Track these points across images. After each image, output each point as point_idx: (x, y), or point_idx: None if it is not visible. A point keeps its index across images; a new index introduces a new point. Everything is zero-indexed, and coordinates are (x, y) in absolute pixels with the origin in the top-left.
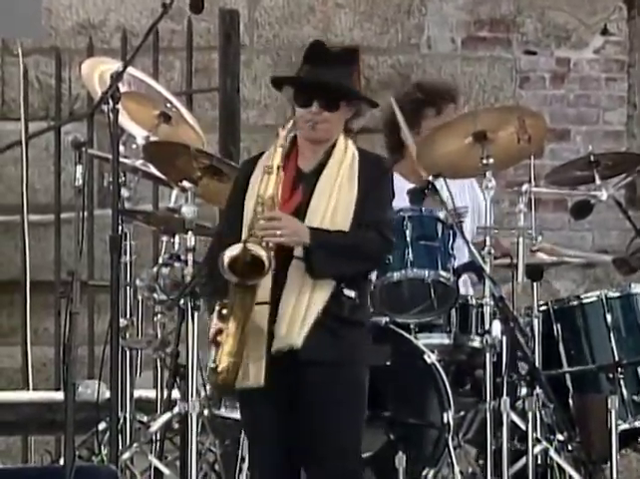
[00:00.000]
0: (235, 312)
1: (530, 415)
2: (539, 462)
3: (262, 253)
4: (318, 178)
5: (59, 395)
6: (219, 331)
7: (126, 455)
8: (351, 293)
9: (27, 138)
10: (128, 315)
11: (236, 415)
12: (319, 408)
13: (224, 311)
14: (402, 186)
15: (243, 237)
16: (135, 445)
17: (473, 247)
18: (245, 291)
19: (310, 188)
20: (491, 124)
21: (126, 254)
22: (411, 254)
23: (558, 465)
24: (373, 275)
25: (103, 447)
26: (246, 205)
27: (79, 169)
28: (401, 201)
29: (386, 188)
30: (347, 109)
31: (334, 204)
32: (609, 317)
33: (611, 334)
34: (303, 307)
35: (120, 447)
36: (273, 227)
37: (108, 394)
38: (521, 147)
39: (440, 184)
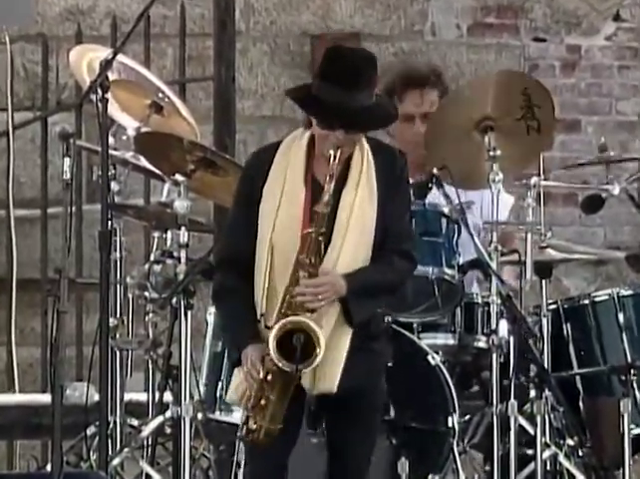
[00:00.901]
0: (279, 388)
1: (539, 419)
2: (548, 468)
3: (318, 341)
4: (339, 194)
5: (46, 398)
6: (262, 395)
7: (116, 461)
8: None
9: (13, 129)
10: (118, 315)
11: (231, 419)
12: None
13: (269, 378)
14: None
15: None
16: (125, 450)
17: (479, 243)
18: (293, 375)
19: (332, 205)
20: (493, 107)
21: (116, 251)
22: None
23: (568, 471)
24: None
25: (92, 453)
26: (264, 220)
27: (66, 161)
28: None
29: (405, 190)
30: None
31: (358, 234)
32: (621, 317)
33: (624, 334)
34: (335, 347)
35: (109, 453)
36: (316, 292)
37: (97, 397)
38: (531, 138)
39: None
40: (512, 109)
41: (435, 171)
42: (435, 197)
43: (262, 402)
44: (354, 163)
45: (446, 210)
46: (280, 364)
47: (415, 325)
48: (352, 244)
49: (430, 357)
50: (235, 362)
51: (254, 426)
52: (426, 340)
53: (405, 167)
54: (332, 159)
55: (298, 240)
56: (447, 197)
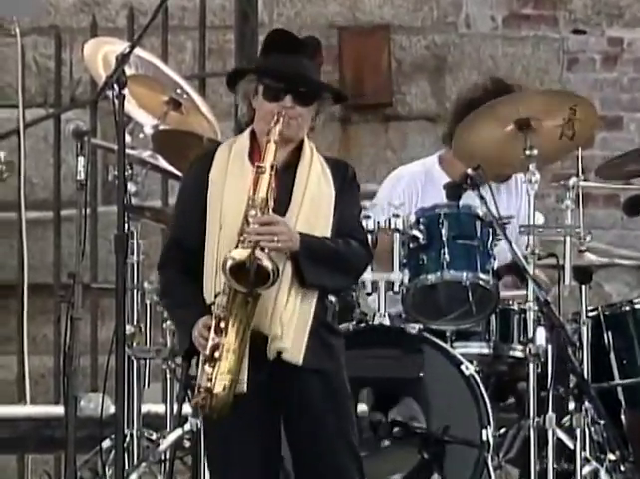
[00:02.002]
0: (236, 325)
1: (579, 433)
2: None
3: (269, 265)
4: (292, 175)
5: (59, 410)
6: (217, 347)
7: (132, 476)
8: (332, 299)
9: (24, 126)
10: (134, 322)
11: None
12: (319, 418)
13: (222, 324)
14: (443, 181)
15: (222, 240)
16: (142, 465)
17: (515, 247)
18: (248, 302)
19: (286, 186)
20: (537, 110)
21: (132, 255)
22: (447, 255)
23: None
24: (405, 278)
25: (107, 467)
26: (212, 205)
27: (81, 160)
28: (442, 197)
29: (357, 194)
30: (316, 104)
31: (316, 201)
32: None
33: None
34: (296, 309)
35: (126, 467)
36: (271, 231)
37: (112, 409)
38: (561, 142)
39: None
40: (555, 115)
41: (469, 171)
42: (469, 198)
43: (216, 354)
44: (305, 146)
45: (480, 211)
46: (235, 286)
47: (447, 334)
48: (309, 216)
49: (463, 367)
50: (188, 352)
51: (209, 384)
52: (459, 350)
53: (354, 175)
54: (277, 115)
55: None
56: (482, 198)
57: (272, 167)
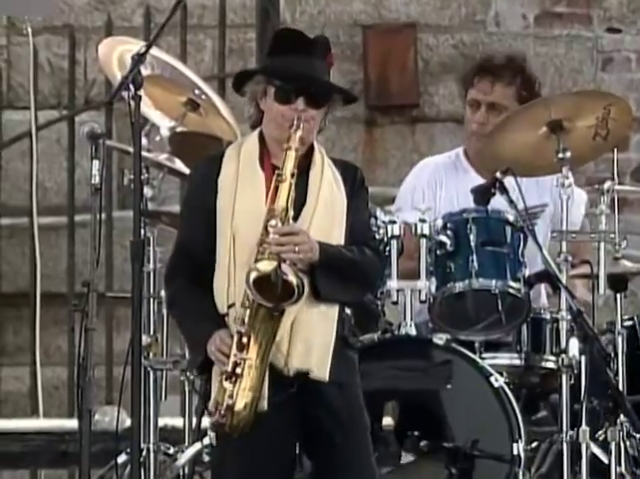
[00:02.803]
0: (258, 341)
1: (613, 447)
2: None
3: (294, 280)
4: (305, 181)
5: (73, 423)
6: (238, 362)
7: None
8: (348, 311)
9: (36, 129)
10: (151, 332)
11: None
12: (340, 431)
13: (244, 340)
14: (469, 172)
15: (237, 250)
16: None
17: (546, 254)
18: (272, 317)
19: (298, 191)
20: (569, 112)
21: (149, 262)
22: (475, 262)
23: None
24: (432, 286)
25: None
26: (222, 212)
27: (95, 164)
28: (467, 186)
29: (367, 198)
30: (327, 106)
31: (329, 208)
32: None
33: None
34: (318, 324)
35: None
36: (292, 242)
37: (128, 422)
38: (594, 143)
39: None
40: (588, 115)
41: (498, 175)
42: (498, 202)
43: (237, 370)
44: (316, 150)
45: (510, 217)
46: (259, 300)
47: (476, 344)
48: (322, 221)
49: (493, 379)
50: (201, 366)
51: (229, 401)
52: (488, 360)
53: (364, 179)
54: (296, 119)
55: (260, 227)
56: (511, 202)
57: (292, 175)
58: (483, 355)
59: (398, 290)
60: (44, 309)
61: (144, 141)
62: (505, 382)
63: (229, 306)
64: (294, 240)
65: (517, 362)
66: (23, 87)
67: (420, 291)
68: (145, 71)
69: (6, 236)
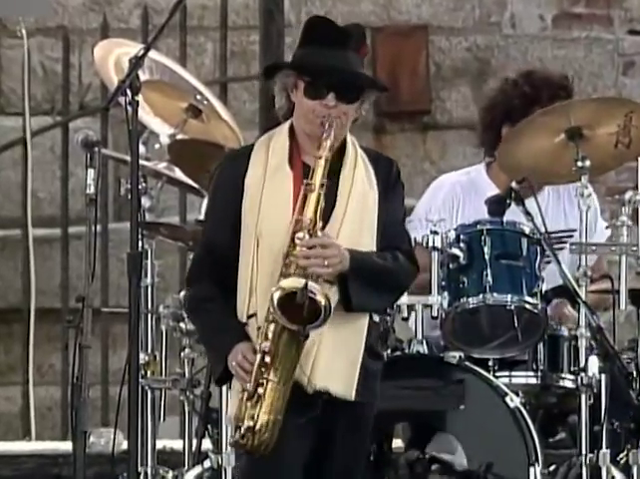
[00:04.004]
0: (281, 362)
1: (635, 470)
2: None
3: (322, 300)
4: (336, 180)
5: (67, 446)
6: (260, 383)
7: None
8: (376, 318)
9: (29, 136)
10: (149, 350)
11: None
12: (350, 451)
13: (267, 359)
14: (490, 191)
15: (262, 261)
16: None
17: (565, 268)
18: (296, 341)
19: (329, 192)
20: (589, 119)
21: (147, 276)
22: (490, 276)
23: None
24: (444, 301)
25: None
26: (247, 215)
27: (90, 173)
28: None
29: (402, 195)
30: (361, 99)
31: (359, 213)
32: None
33: None
34: (347, 338)
35: None
36: (322, 255)
37: (125, 444)
38: (616, 151)
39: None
40: (609, 122)
41: (514, 184)
42: (514, 214)
43: (259, 390)
44: (348, 148)
45: (527, 229)
46: (286, 323)
47: (491, 362)
48: (353, 225)
49: (508, 399)
50: (221, 378)
51: (250, 422)
52: (503, 379)
53: (399, 174)
54: (327, 124)
55: (287, 231)
56: (528, 214)
57: (322, 185)
58: (498, 374)
59: (408, 306)
60: (37, 326)
61: (141, 149)
62: (521, 402)
63: (249, 316)
64: (323, 254)
65: (534, 381)
66: (15, 92)
67: (431, 307)
68: (143, 75)
69: None
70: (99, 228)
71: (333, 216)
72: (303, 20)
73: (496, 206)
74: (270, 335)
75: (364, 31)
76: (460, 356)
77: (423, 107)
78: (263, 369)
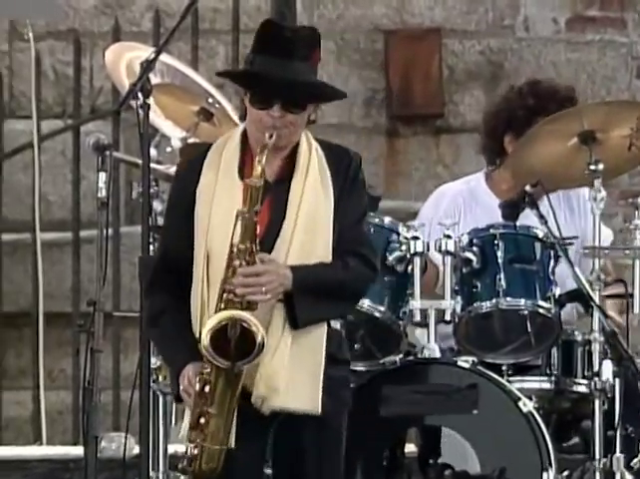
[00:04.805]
0: (219, 394)
1: None
2: None
3: (257, 331)
4: (287, 189)
5: (78, 451)
6: (202, 413)
7: None
8: (337, 325)
9: (40, 139)
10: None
11: None
12: (324, 465)
13: (207, 389)
14: (491, 202)
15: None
16: None
17: (578, 272)
18: (232, 375)
19: (279, 202)
20: (602, 122)
21: None
22: (503, 281)
23: None
24: (457, 306)
25: None
26: (199, 226)
27: (102, 177)
28: (489, 219)
29: (361, 192)
30: (312, 105)
31: (311, 223)
32: None
33: None
34: (303, 354)
35: None
36: (258, 283)
37: (137, 449)
38: (629, 155)
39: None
40: (622, 125)
41: (527, 188)
42: (527, 218)
43: (201, 420)
44: (301, 152)
45: (540, 233)
46: (215, 361)
47: (504, 367)
48: (304, 237)
49: (521, 404)
50: (178, 396)
51: (195, 451)
52: (517, 384)
53: (359, 167)
54: (267, 136)
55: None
56: (541, 218)
57: (256, 213)
58: (511, 379)
59: (421, 311)
60: (47, 330)
61: (153, 152)
62: (535, 407)
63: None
64: (259, 282)
65: (547, 386)
66: (25, 95)
67: (444, 312)
68: (154, 78)
69: (7, 252)
70: (110, 231)
71: (284, 227)
72: (316, 23)
73: (510, 210)
74: (208, 367)
75: (318, 36)
76: (473, 361)
77: (436, 110)
78: (203, 400)
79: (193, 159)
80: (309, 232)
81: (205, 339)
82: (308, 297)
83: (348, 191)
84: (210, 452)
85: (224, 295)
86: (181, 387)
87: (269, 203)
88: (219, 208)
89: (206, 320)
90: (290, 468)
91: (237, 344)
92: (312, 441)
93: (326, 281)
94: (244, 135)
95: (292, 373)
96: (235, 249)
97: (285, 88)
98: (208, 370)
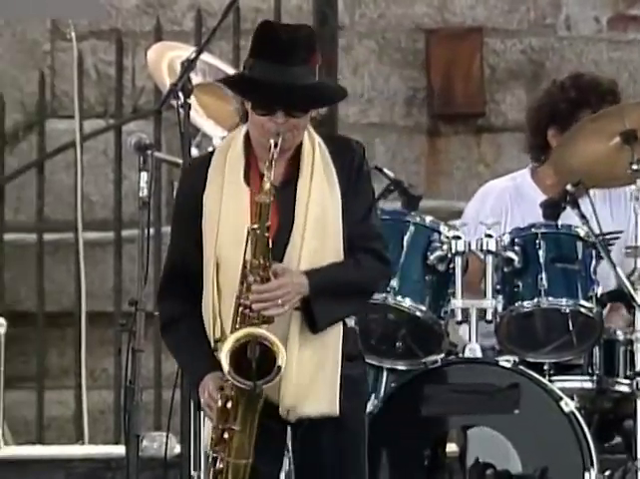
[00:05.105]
0: (242, 410)
1: None
2: None
3: (278, 350)
4: (293, 191)
5: (119, 450)
6: (225, 429)
7: None
8: (351, 322)
9: (82, 139)
10: None
11: None
12: (344, 464)
13: (229, 405)
14: (537, 198)
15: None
16: None
17: (620, 272)
18: (254, 394)
19: (287, 206)
20: None
21: None
22: (545, 280)
23: None
24: (499, 305)
25: None
26: (207, 233)
27: (143, 176)
28: (535, 215)
29: (366, 183)
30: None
31: (321, 225)
32: None
33: None
34: (322, 358)
35: None
36: (274, 297)
37: (178, 449)
38: None
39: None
40: None
41: (569, 187)
42: (569, 217)
43: (225, 436)
44: (304, 153)
45: (582, 232)
46: (236, 382)
47: (546, 366)
48: (314, 241)
49: (563, 403)
50: (198, 404)
51: (220, 465)
52: (558, 384)
53: (364, 157)
54: (272, 146)
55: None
56: (583, 217)
57: (267, 228)
58: (553, 378)
59: (462, 310)
60: (90, 330)
61: (194, 152)
62: (577, 407)
63: (217, 341)
64: (276, 296)
65: (589, 386)
66: (68, 95)
67: (486, 311)
68: (195, 78)
69: (49, 252)
70: (152, 231)
71: (293, 232)
72: (357, 22)
73: (551, 209)
74: (227, 379)
75: (314, 37)
76: (514, 360)
77: (477, 109)
78: (226, 416)
79: (199, 161)
80: (319, 236)
81: (226, 362)
82: (325, 301)
83: (354, 185)
84: (236, 467)
85: (240, 309)
86: (202, 401)
87: (277, 207)
88: (227, 216)
89: (219, 328)
90: (310, 469)
91: (257, 362)
92: (331, 441)
93: (341, 282)
94: (247, 137)
95: (312, 378)
96: (249, 266)
97: (286, 94)
98: (228, 384)
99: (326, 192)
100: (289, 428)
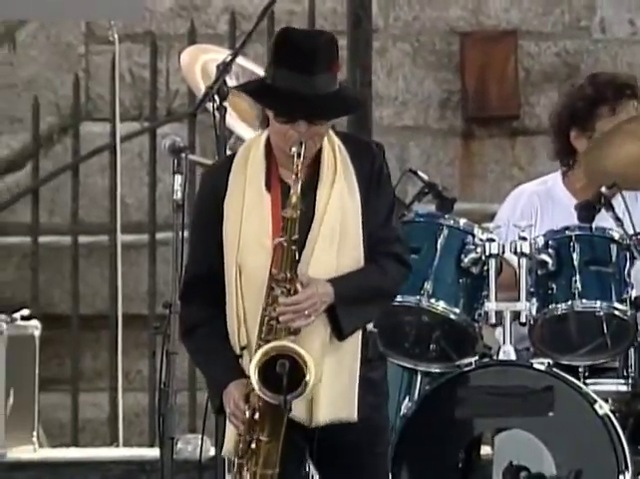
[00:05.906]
0: (270, 422)
1: None
2: None
3: (306, 366)
4: (313, 197)
5: (154, 452)
6: (252, 439)
7: None
8: (369, 325)
9: (117, 142)
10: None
11: None
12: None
13: (256, 416)
14: (568, 202)
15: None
16: None
17: None
18: (283, 406)
19: (307, 213)
20: None
21: None
22: (579, 283)
23: None
24: (533, 308)
25: None
26: (228, 241)
27: (178, 179)
28: (566, 219)
29: (387, 186)
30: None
31: (340, 223)
32: None
33: None
34: (344, 365)
35: None
36: (301, 309)
37: (213, 451)
38: None
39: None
40: None
41: (603, 190)
42: (603, 219)
43: (253, 446)
44: (324, 157)
45: (616, 235)
46: (266, 397)
47: (580, 369)
48: (329, 248)
49: (597, 406)
50: (219, 409)
51: (247, 475)
52: (593, 386)
53: (384, 159)
54: (296, 157)
55: (268, 256)
56: (617, 220)
57: (294, 241)
58: (587, 381)
59: (497, 312)
60: (124, 332)
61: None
62: (611, 410)
63: (242, 348)
64: (302, 308)
65: (624, 389)
66: (102, 98)
67: (520, 313)
68: (230, 81)
69: (84, 254)
70: (186, 233)
71: (308, 239)
72: (391, 24)
73: (586, 211)
74: (253, 389)
75: (336, 43)
76: (548, 363)
77: (512, 112)
78: (254, 427)
79: (219, 165)
80: (334, 246)
81: (254, 377)
82: (350, 308)
83: (375, 189)
84: (263, 477)
85: (266, 320)
86: (228, 410)
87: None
88: (248, 223)
89: (244, 335)
90: (332, 473)
91: (284, 388)
92: (352, 443)
93: (365, 288)
94: (268, 142)
95: (331, 385)
96: (275, 279)
97: (309, 104)
98: (254, 393)
99: (346, 198)
100: (309, 434)
